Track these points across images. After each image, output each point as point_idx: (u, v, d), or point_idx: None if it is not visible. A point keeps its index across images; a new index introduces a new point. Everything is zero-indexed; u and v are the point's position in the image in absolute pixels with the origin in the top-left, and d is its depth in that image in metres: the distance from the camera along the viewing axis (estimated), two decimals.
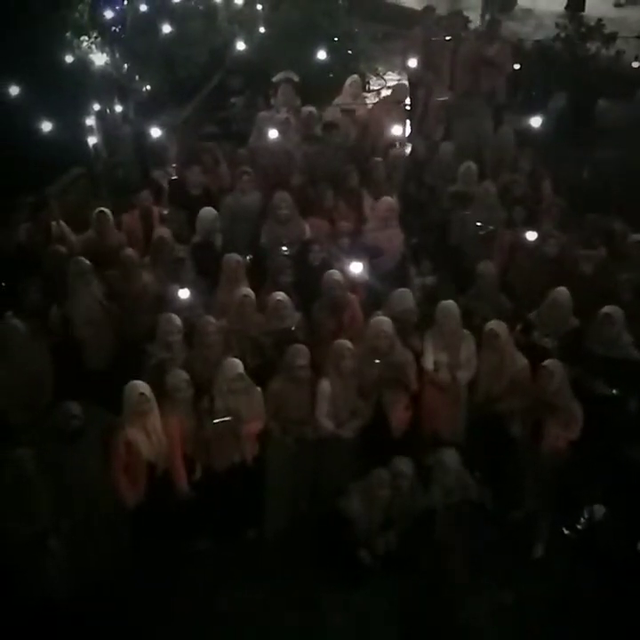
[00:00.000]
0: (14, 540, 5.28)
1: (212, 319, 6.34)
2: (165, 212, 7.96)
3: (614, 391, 6.08)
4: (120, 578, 5.78)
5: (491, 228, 7.61)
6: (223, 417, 5.81)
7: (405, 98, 10.01)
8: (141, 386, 5.69)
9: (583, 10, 12.66)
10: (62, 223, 7.65)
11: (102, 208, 7.63)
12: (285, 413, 6.05)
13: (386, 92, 10.53)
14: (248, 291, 6.59)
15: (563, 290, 6.45)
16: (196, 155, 8.74)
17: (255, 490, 6.14)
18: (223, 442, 5.88)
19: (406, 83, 10.46)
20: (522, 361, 6.14)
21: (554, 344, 6.30)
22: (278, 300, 6.49)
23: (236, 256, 7.01)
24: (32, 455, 5.29)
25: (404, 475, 5.71)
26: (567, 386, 5.85)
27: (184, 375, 5.86)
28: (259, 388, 6.02)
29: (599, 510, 5.90)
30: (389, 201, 7.75)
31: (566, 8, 12.28)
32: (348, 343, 6.07)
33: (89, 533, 5.62)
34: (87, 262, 6.76)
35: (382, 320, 6.19)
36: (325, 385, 6.04)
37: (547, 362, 5.86)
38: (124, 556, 5.88)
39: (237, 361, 5.93)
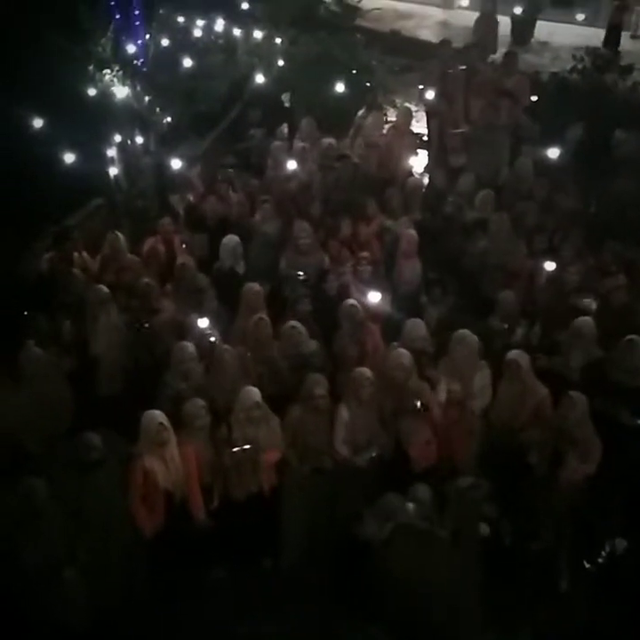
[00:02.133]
0: (30, 569, 5.26)
1: (228, 346, 6.37)
2: (186, 240, 8.04)
3: (638, 421, 6.02)
4: (136, 607, 5.75)
5: (506, 258, 7.62)
6: (241, 446, 5.80)
7: (410, 122, 10.12)
8: (159, 416, 5.69)
9: (619, 45, 12.68)
10: (85, 254, 7.75)
11: (116, 232, 7.73)
12: (303, 442, 6.04)
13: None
14: (263, 316, 6.63)
15: (587, 319, 6.45)
16: (212, 184, 8.85)
17: (272, 519, 6.11)
18: (241, 471, 5.87)
19: (410, 107, 10.61)
20: (542, 391, 6.10)
21: (576, 374, 6.27)
22: (292, 327, 6.53)
23: (256, 285, 7.07)
24: (45, 485, 5.28)
25: (421, 501, 5.61)
26: (588, 418, 5.80)
27: (201, 403, 5.86)
28: (277, 417, 6.02)
29: (620, 544, 5.82)
30: (411, 234, 7.81)
31: (605, 46, 12.25)
32: (367, 371, 6.06)
33: (106, 563, 5.61)
34: (106, 290, 6.84)
35: (401, 353, 6.19)
36: (344, 412, 6.03)
37: (570, 393, 5.82)
38: (141, 585, 5.86)
39: (255, 389, 5.93)
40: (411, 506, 5.33)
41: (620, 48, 11.61)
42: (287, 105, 10.84)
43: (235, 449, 5.79)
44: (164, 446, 5.67)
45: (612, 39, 12.74)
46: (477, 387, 6.25)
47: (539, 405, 6.04)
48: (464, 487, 5.53)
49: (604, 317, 6.64)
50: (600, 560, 5.92)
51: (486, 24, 12.61)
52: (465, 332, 6.34)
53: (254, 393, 5.89)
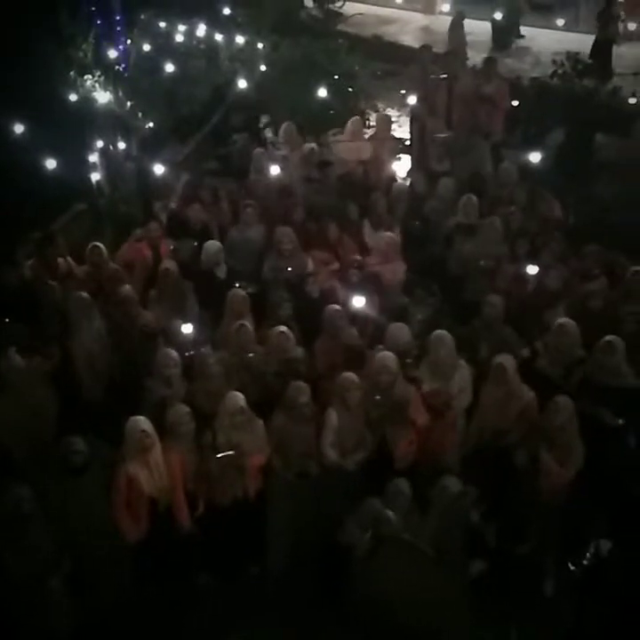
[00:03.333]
0: (15, 578, 5.20)
1: (211, 352, 6.36)
2: (171, 246, 8.03)
3: (620, 421, 6.07)
4: (121, 614, 5.71)
5: (491, 263, 7.66)
6: (226, 451, 5.78)
7: (390, 128, 10.17)
8: (143, 422, 5.66)
9: (610, 68, 12.69)
10: (69, 259, 7.71)
11: (96, 243, 7.71)
12: (287, 449, 6.03)
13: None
14: (244, 322, 6.63)
15: (569, 320, 6.50)
16: (195, 190, 8.85)
17: (257, 525, 6.09)
18: (226, 477, 5.85)
19: (390, 112, 10.69)
20: (528, 394, 6.13)
21: (560, 374, 6.30)
22: (281, 333, 6.52)
23: (241, 291, 7.07)
24: (30, 492, 5.23)
25: (401, 492, 5.60)
26: (574, 422, 5.84)
27: (185, 409, 5.84)
28: (261, 422, 6.01)
29: (605, 545, 5.84)
30: (390, 235, 7.84)
31: (592, 57, 12.27)
32: (354, 376, 6.07)
33: (91, 570, 5.57)
34: (88, 297, 6.80)
35: (386, 355, 6.20)
36: (332, 415, 6.03)
37: (556, 397, 5.84)
38: (126, 592, 5.83)
39: (239, 394, 5.92)
40: (391, 515, 5.27)
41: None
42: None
43: (219, 455, 5.76)
44: (148, 453, 5.63)
45: (602, 52, 12.75)
46: (457, 386, 6.27)
47: (524, 409, 6.06)
48: (451, 493, 5.53)
49: (584, 320, 6.68)
50: (585, 562, 5.94)
51: (457, 30, 12.72)
52: (441, 332, 6.38)
53: (238, 398, 5.87)
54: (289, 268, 7.53)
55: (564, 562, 6.02)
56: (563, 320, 6.53)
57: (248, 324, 6.66)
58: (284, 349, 6.48)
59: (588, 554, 5.86)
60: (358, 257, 7.77)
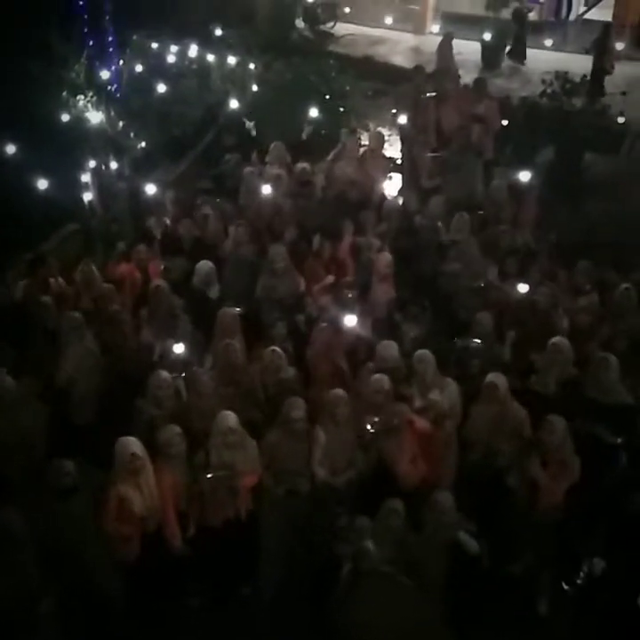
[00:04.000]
0: (4, 600, 5.13)
1: (203, 371, 6.35)
2: (162, 265, 8.04)
3: (619, 439, 6.09)
4: (113, 637, 5.68)
5: (480, 283, 7.70)
6: (218, 471, 5.75)
7: (383, 146, 10.23)
8: (133, 444, 5.61)
9: (603, 92, 12.69)
10: (60, 280, 7.70)
11: (87, 262, 7.72)
12: (279, 465, 6.00)
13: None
14: (231, 341, 6.62)
15: (563, 338, 6.54)
16: (187, 209, 8.88)
17: (249, 545, 6.05)
18: (218, 496, 5.81)
19: (381, 131, 10.78)
20: (521, 413, 6.12)
21: (553, 391, 6.33)
22: (273, 351, 6.53)
23: (231, 310, 7.07)
24: (19, 515, 5.18)
25: (395, 512, 5.52)
26: (568, 440, 5.83)
27: (177, 429, 5.80)
28: (254, 442, 5.99)
29: (598, 564, 5.83)
30: (387, 257, 7.87)
31: (592, 81, 12.31)
32: (342, 392, 6.07)
33: (81, 593, 5.51)
34: (80, 316, 6.79)
35: (381, 378, 6.20)
36: (320, 434, 6.01)
37: (549, 417, 5.84)
38: (117, 614, 5.76)
39: (231, 413, 5.89)
40: (371, 548, 5.18)
41: (587, 72, 11.78)
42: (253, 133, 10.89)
43: (209, 475, 5.74)
44: (139, 473, 5.59)
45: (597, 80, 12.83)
46: (447, 404, 6.24)
47: (517, 427, 6.05)
48: (447, 523, 5.48)
49: (576, 336, 6.70)
50: (579, 581, 5.93)
51: (446, 50, 12.83)
52: (423, 351, 6.42)
53: (230, 417, 5.85)
54: (281, 292, 7.53)
55: (558, 581, 6.03)
56: (556, 338, 6.55)
57: (236, 342, 6.65)
58: (276, 369, 6.48)
59: (581, 573, 5.86)
60: (347, 278, 7.78)
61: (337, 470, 6.02)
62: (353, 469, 6.05)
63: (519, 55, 14.77)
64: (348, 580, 5.20)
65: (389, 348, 6.63)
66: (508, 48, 14.80)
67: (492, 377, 6.18)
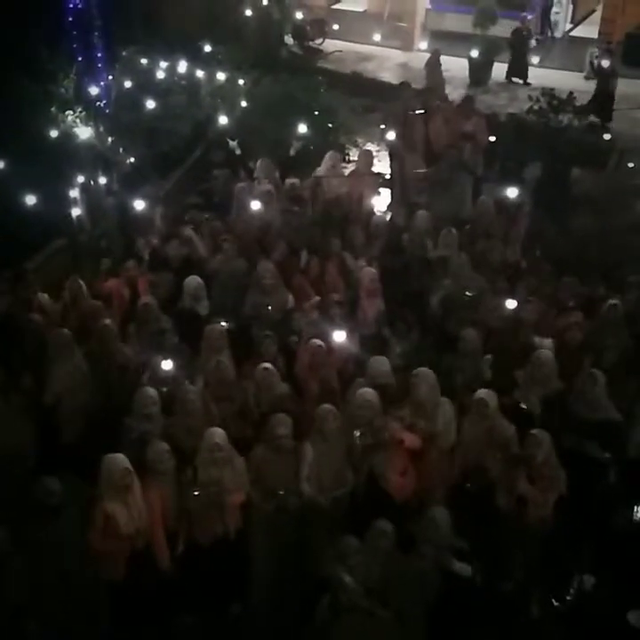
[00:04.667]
0: None
1: (191, 387, 6.32)
2: (149, 280, 8.02)
3: (607, 454, 6.10)
4: None
5: (471, 294, 7.71)
6: (205, 488, 5.72)
7: (371, 162, 10.28)
8: (124, 460, 5.58)
9: (610, 117, 12.79)
10: (41, 295, 7.65)
11: (75, 277, 7.68)
12: (266, 482, 5.97)
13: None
14: (222, 358, 6.60)
15: (546, 351, 6.54)
16: (176, 225, 8.87)
17: (238, 562, 6.00)
18: (206, 513, 5.78)
19: (370, 149, 10.89)
20: (510, 429, 6.11)
21: (536, 405, 6.34)
22: (265, 369, 6.51)
23: (218, 326, 7.06)
24: (5, 532, 5.14)
25: (384, 534, 5.42)
26: (554, 454, 5.84)
27: (165, 446, 5.78)
28: (242, 459, 5.96)
29: (588, 580, 5.82)
30: (372, 271, 7.87)
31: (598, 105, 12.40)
32: (331, 407, 6.05)
33: (67, 611, 5.46)
34: (68, 333, 6.76)
35: (367, 391, 6.20)
36: (308, 449, 5.99)
37: (534, 431, 5.86)
38: (105, 633, 5.71)
39: (218, 430, 5.87)
40: (350, 581, 5.11)
41: (574, 89, 11.89)
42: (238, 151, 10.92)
43: (196, 492, 5.70)
44: (127, 491, 5.55)
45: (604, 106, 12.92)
46: (440, 423, 6.22)
47: (506, 444, 6.04)
48: (441, 544, 5.44)
49: (561, 354, 6.71)
50: (568, 597, 5.91)
51: (434, 66, 12.95)
52: (423, 369, 6.36)
53: (217, 434, 5.82)
54: (269, 306, 7.52)
55: (548, 597, 6.01)
56: (539, 352, 6.57)
57: (226, 359, 6.64)
58: (268, 387, 6.47)
59: (571, 589, 5.85)
60: (335, 294, 7.79)
61: (325, 488, 5.99)
62: (342, 487, 6.02)
63: (520, 74, 14.85)
64: (324, 615, 5.13)
65: (380, 364, 6.63)
66: (507, 66, 14.90)
67: (481, 393, 6.18)
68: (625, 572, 5.72)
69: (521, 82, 14.92)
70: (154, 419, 6.14)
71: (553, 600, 5.99)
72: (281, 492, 5.89)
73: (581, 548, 5.90)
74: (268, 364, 6.56)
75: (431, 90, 11.49)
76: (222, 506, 5.78)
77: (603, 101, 12.70)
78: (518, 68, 14.93)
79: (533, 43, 15.19)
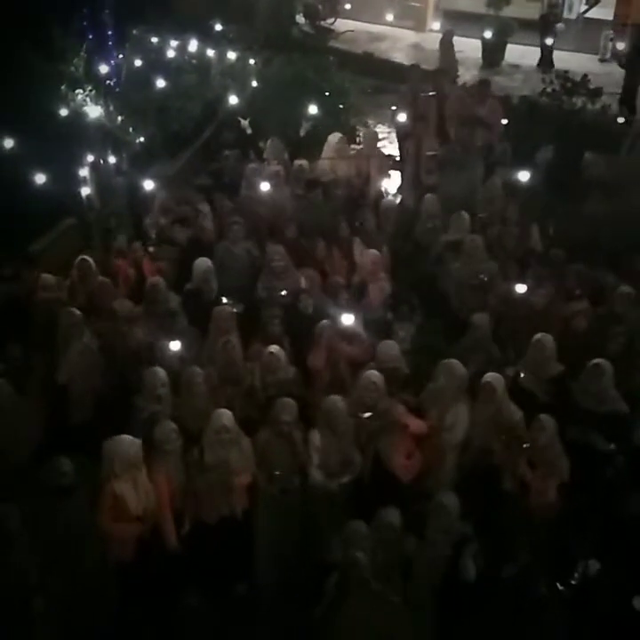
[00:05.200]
0: None
1: (198, 369, 6.33)
2: (158, 262, 8.01)
3: (612, 446, 6.07)
4: (108, 635, 5.67)
5: (483, 277, 7.66)
6: (212, 468, 5.74)
7: (376, 144, 10.21)
8: (136, 441, 5.63)
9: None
10: (48, 276, 7.64)
11: (84, 256, 7.67)
12: (269, 464, 6.00)
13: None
14: (230, 338, 6.60)
15: (546, 334, 6.50)
16: (185, 205, 8.84)
17: (244, 543, 6.05)
18: (213, 494, 5.81)
19: (376, 130, 10.89)
20: (517, 414, 6.10)
21: (539, 389, 6.33)
22: (271, 353, 6.50)
23: (227, 307, 7.04)
24: (17, 511, 5.19)
25: (390, 525, 5.46)
26: (557, 441, 5.84)
27: (172, 426, 5.82)
28: (248, 440, 5.98)
29: (593, 565, 5.83)
30: (374, 253, 7.83)
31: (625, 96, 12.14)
32: (339, 400, 6.04)
33: (76, 590, 5.50)
34: (79, 313, 6.76)
35: (372, 373, 6.20)
36: (316, 437, 6.01)
37: (540, 416, 5.85)
38: (112, 613, 5.76)
39: (226, 411, 5.89)
40: (361, 556, 5.09)
41: (588, 71, 11.73)
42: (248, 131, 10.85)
43: (203, 472, 5.72)
44: (136, 470, 5.60)
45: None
46: (450, 420, 6.16)
47: (513, 428, 6.03)
48: (449, 511, 5.46)
49: (567, 341, 6.67)
50: (573, 582, 5.93)
51: (447, 47, 12.80)
52: (453, 361, 6.26)
53: (224, 415, 5.85)
54: (282, 291, 7.49)
55: (553, 582, 6.02)
56: (539, 335, 6.53)
57: (234, 339, 6.63)
58: (274, 370, 6.46)
59: (576, 574, 5.86)
60: (340, 278, 7.76)
61: (332, 473, 6.00)
62: (350, 473, 6.03)
63: (547, 64, 14.62)
64: (333, 594, 5.15)
65: (389, 348, 6.61)
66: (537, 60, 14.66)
67: (489, 377, 6.17)
68: (631, 557, 5.73)
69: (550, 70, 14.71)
70: (163, 399, 6.16)
71: (558, 585, 6.01)
72: (277, 473, 5.93)
73: (587, 533, 5.90)
74: (274, 348, 6.54)
75: (442, 71, 11.34)
76: (229, 487, 5.82)
77: (630, 92, 12.50)
78: (544, 59, 14.68)
79: (561, 26, 14.84)
